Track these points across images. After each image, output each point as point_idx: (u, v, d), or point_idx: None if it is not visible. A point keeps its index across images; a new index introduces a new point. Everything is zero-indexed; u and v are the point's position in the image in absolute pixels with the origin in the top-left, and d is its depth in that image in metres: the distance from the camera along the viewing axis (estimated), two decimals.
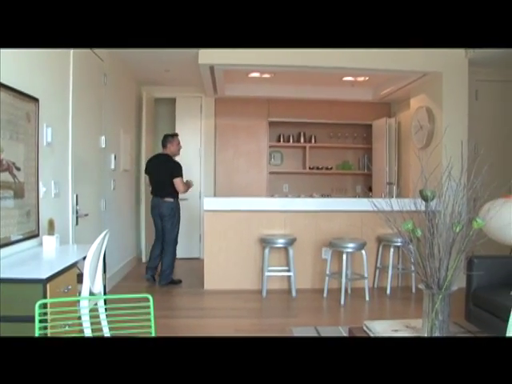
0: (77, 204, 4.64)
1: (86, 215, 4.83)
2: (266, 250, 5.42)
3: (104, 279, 3.94)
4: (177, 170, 5.95)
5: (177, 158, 6.22)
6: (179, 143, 6.21)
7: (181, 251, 7.51)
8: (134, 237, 7.28)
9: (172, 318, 4.70)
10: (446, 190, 2.62)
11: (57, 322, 2.37)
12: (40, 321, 2.22)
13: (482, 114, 6.18)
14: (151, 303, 2.31)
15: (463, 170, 2.63)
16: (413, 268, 4.78)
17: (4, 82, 3.20)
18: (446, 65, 5.79)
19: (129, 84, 6.85)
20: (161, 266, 6.13)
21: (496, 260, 4.10)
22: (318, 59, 5.52)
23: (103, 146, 5.50)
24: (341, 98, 7.70)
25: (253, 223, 5.77)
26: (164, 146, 6.15)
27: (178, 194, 6.03)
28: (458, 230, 2.60)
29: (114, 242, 6.04)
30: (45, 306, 2.41)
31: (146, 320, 2.29)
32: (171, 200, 5.95)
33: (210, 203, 5.79)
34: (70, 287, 3.13)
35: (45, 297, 2.73)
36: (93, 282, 3.50)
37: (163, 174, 5.94)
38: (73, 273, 3.30)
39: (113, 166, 5.92)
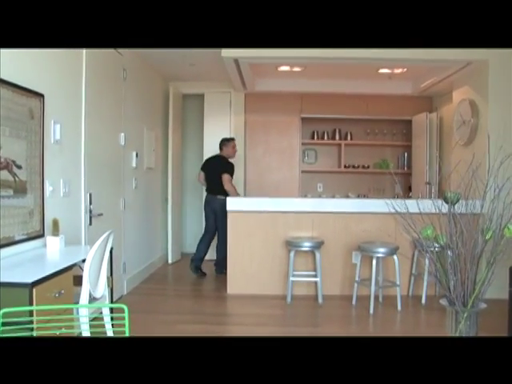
0: (90, 203, 4.46)
1: (101, 215, 4.63)
2: (292, 254, 5.09)
3: (110, 283, 3.72)
4: (228, 168, 6.38)
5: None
6: (235, 146, 6.62)
7: (209, 253, 7.30)
8: (160, 237, 7.09)
9: (190, 323, 4.45)
10: (488, 190, 2.24)
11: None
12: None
13: None
14: (126, 314, 2.05)
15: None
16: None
17: (3, 77, 3.05)
18: (493, 51, 5.26)
19: (153, 79, 6.66)
20: (216, 257, 6.58)
21: None
22: (349, 50, 5.11)
23: (122, 143, 5.32)
24: (378, 92, 7.26)
25: (279, 225, 5.45)
26: (220, 148, 6.58)
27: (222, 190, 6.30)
28: (488, 236, 2.21)
29: (136, 242, 5.88)
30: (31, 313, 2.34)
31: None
32: (223, 197, 6.05)
33: (234, 203, 5.51)
34: (62, 292, 2.92)
35: (31, 302, 2.58)
36: (94, 286, 3.29)
37: (217, 172, 6.36)
38: (68, 276, 3.09)
39: (134, 164, 5.73)
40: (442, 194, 2.32)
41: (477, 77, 5.67)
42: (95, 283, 3.30)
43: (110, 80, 4.97)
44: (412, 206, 2.41)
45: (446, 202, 2.24)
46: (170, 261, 7.13)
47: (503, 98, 5.36)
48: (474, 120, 5.65)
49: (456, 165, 2.31)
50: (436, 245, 2.31)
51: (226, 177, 6.26)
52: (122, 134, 5.31)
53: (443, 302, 2.29)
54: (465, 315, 2.18)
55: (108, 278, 3.61)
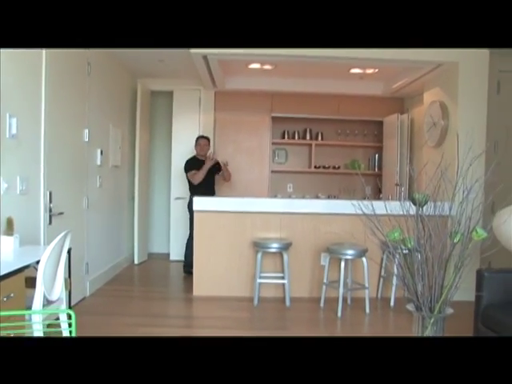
0: (50, 202, 4.28)
1: (61, 214, 4.45)
2: (259, 255, 4.98)
3: (67, 285, 3.56)
4: (185, 168, 6.41)
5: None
6: (202, 144, 6.52)
7: (177, 253, 7.16)
8: (126, 237, 6.90)
9: (152, 326, 4.30)
10: (456, 192, 2.16)
11: None
12: None
13: (504, 110, 5.50)
14: (73, 320, 1.92)
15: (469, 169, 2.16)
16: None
17: None
18: (464, 53, 5.24)
19: (120, 75, 6.47)
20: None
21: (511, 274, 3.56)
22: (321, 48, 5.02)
23: (86, 139, 5.13)
24: (349, 92, 7.20)
25: (246, 225, 5.33)
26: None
27: (192, 190, 6.29)
28: (456, 240, 2.14)
29: (100, 242, 5.70)
30: None
31: None
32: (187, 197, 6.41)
33: (200, 203, 5.37)
34: (12, 295, 2.75)
35: None
36: (50, 288, 3.12)
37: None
38: (19, 278, 2.91)
39: (99, 162, 5.54)
40: (410, 196, 2.24)
41: (447, 79, 5.65)
42: (51, 285, 3.14)
43: (72, 74, 4.78)
44: (380, 207, 2.32)
45: (414, 204, 2.16)
46: (136, 261, 6.95)
47: (473, 100, 5.36)
48: (444, 122, 5.63)
49: (424, 165, 2.23)
50: (403, 248, 2.22)
51: (188, 176, 6.33)
52: (86, 131, 5.12)
53: (410, 307, 2.21)
54: (431, 321, 2.11)
55: (66, 279, 3.45)
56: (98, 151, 5.53)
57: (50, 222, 4.30)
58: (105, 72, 5.74)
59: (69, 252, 3.50)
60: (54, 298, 3.15)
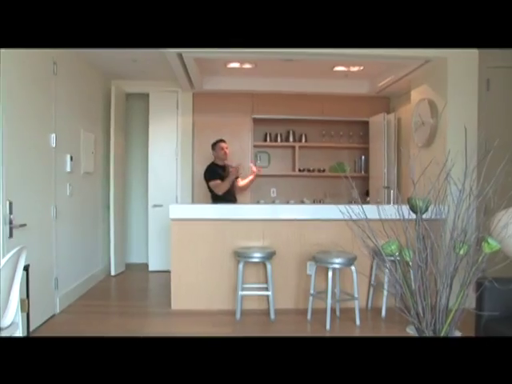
0: (10, 213, 3.90)
1: (23, 226, 4.07)
2: (240, 265, 4.64)
3: (25, 307, 3.20)
4: (205, 175, 6.07)
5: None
6: (222, 148, 6.10)
7: (155, 263, 6.82)
8: (101, 247, 6.52)
9: None
10: (443, 198, 1.86)
11: None
12: None
13: (494, 107, 5.21)
14: None
15: (467, 171, 1.86)
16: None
17: None
18: (452, 49, 4.96)
19: (92, 76, 6.11)
20: None
21: None
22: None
23: (53, 145, 4.76)
24: (334, 91, 6.93)
25: (227, 234, 4.99)
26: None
27: (215, 198, 6.00)
28: (462, 252, 1.83)
29: (71, 254, 5.32)
30: None
31: None
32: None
33: (177, 211, 5.03)
34: None
35: None
36: (1, 314, 2.76)
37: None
38: None
39: (69, 169, 5.17)
40: (406, 201, 1.93)
41: (435, 75, 5.39)
42: (2, 310, 2.78)
43: (35, 73, 4.40)
44: (370, 212, 2.01)
45: (414, 212, 1.85)
46: (112, 273, 6.58)
47: (462, 97, 5.10)
48: (434, 121, 5.36)
49: (426, 167, 1.92)
50: (397, 259, 1.92)
51: (211, 185, 5.97)
52: (53, 135, 4.75)
53: (410, 330, 1.90)
54: None
55: (22, 300, 3.08)
56: (68, 157, 5.16)
57: (11, 235, 3.91)
58: (74, 72, 5.37)
59: (26, 269, 3.15)
60: (5, 323, 2.79)
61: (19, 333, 2.94)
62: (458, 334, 1.83)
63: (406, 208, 1.92)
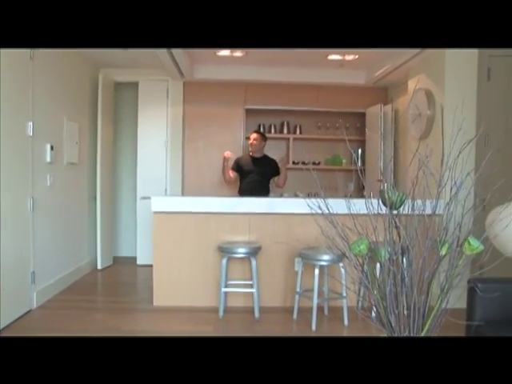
0: None
1: None
2: (224, 261, 4.44)
3: None
4: None
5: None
6: (251, 139, 6.10)
7: (144, 257, 6.62)
8: (87, 240, 6.31)
9: None
10: (442, 189, 1.64)
11: None
12: None
13: (494, 98, 4.93)
14: None
15: (447, 162, 1.64)
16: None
17: None
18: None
19: (78, 64, 5.88)
20: None
21: (510, 286, 3.00)
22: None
23: (30, 134, 4.55)
24: (329, 81, 6.67)
25: (211, 228, 4.78)
26: None
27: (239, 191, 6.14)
28: (442, 252, 1.61)
29: (51, 247, 5.11)
30: None
31: None
32: None
33: (159, 203, 4.81)
34: None
35: None
36: None
37: None
38: None
39: (49, 159, 4.96)
40: (380, 194, 1.71)
41: (433, 64, 5.15)
42: None
43: (8, 57, 4.17)
44: (342, 206, 1.79)
45: (385, 205, 1.63)
46: (99, 266, 6.39)
47: (461, 89, 4.84)
48: (431, 112, 5.13)
49: (412, 158, 1.71)
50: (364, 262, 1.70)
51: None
52: (30, 123, 4.54)
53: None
54: None
55: None
56: (48, 147, 4.95)
57: None
58: (55, 59, 5.13)
59: None
60: None
61: None
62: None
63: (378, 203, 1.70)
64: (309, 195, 7.01)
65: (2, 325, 4.06)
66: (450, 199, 1.56)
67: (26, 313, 4.51)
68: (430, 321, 1.56)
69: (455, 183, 1.60)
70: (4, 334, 3.94)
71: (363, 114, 7.01)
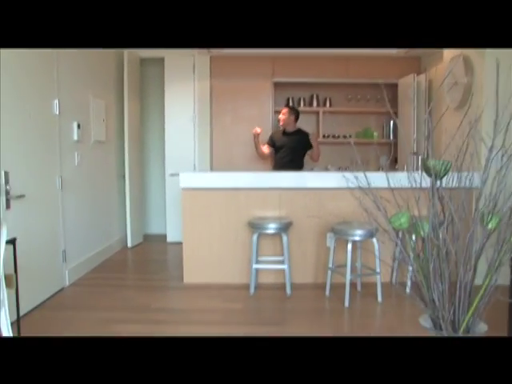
0: (7, 183, 3.68)
1: (22, 196, 3.85)
2: (254, 237, 4.35)
3: (12, 282, 2.98)
4: None
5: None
6: (280, 114, 6.03)
7: (174, 234, 6.60)
8: (117, 218, 6.32)
9: (128, 322, 3.75)
10: (493, 157, 1.50)
11: None
12: None
13: None
14: None
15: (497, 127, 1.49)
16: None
17: None
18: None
19: None
20: None
21: None
22: None
23: (56, 112, 4.51)
24: (359, 51, 6.43)
25: (240, 203, 4.69)
26: None
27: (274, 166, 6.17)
28: (490, 226, 1.47)
29: (81, 225, 5.12)
30: None
31: None
32: None
33: (188, 179, 4.74)
34: None
35: None
36: None
37: None
38: None
39: (76, 137, 4.93)
40: (423, 163, 1.57)
41: None
42: None
43: None
44: (381, 180, 1.67)
45: (429, 175, 1.50)
46: (129, 244, 6.39)
47: (503, 53, 4.56)
48: (468, 79, 4.89)
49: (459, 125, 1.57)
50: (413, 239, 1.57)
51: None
52: (56, 101, 4.50)
53: (424, 322, 1.56)
54: None
55: (8, 276, 2.86)
56: (75, 125, 4.92)
57: (8, 206, 3.70)
58: None
59: (14, 244, 2.93)
60: None
61: (5, 311, 2.72)
62: (483, 327, 1.48)
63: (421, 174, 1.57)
64: (340, 169, 6.87)
65: (37, 302, 4.10)
66: (501, 167, 1.42)
67: (59, 290, 4.54)
68: (478, 298, 1.44)
69: (506, 151, 1.46)
70: (39, 311, 3.97)
71: (395, 85, 6.76)
